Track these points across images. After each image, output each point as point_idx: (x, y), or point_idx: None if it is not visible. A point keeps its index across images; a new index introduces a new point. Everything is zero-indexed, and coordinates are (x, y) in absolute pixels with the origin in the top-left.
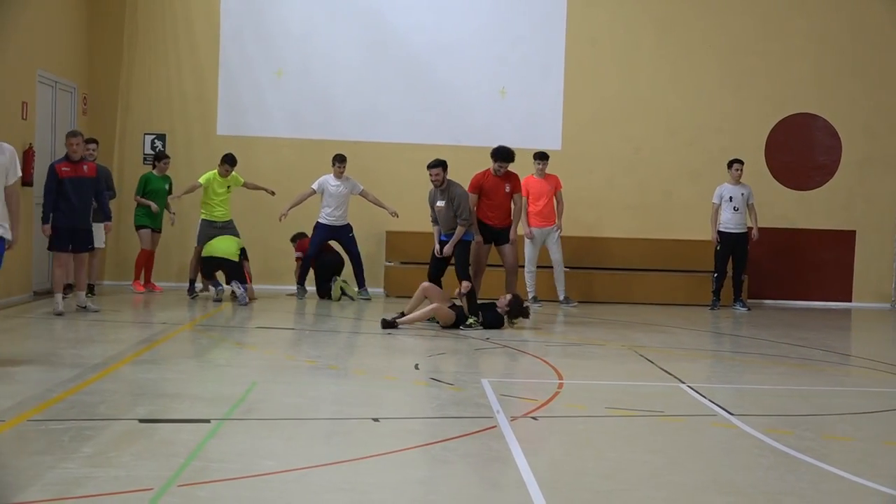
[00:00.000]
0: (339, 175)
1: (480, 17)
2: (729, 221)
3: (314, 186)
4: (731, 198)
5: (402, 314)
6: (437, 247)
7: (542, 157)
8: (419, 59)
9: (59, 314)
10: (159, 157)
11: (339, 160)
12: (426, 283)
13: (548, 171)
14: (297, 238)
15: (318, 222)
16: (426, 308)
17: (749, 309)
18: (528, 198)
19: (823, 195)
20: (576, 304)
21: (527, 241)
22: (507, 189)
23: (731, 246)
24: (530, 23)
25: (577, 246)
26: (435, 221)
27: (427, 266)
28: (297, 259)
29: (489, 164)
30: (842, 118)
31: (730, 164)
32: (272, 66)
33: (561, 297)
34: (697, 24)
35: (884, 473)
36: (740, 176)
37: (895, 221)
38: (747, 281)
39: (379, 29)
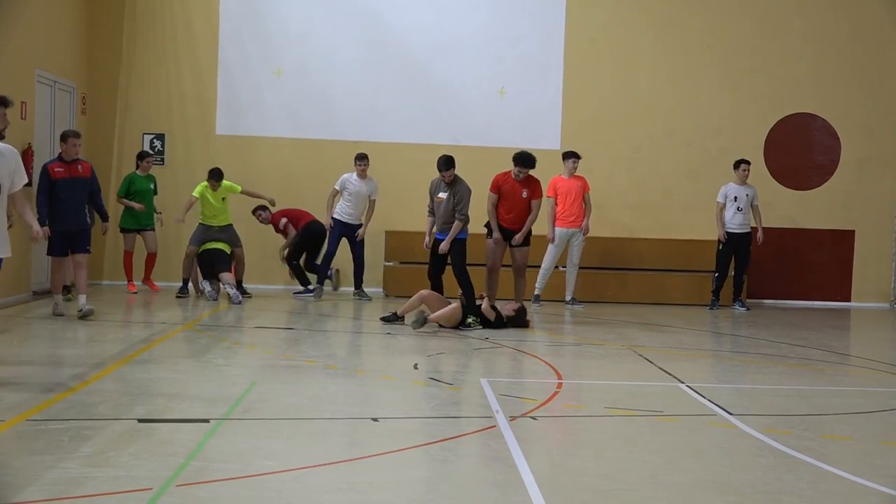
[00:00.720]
0: (362, 174)
1: (479, 16)
2: (732, 221)
3: (336, 186)
4: (735, 198)
5: (395, 314)
6: (427, 239)
7: (574, 156)
8: (418, 58)
9: (60, 315)
10: (142, 156)
11: (360, 158)
12: (424, 292)
13: (554, 170)
14: (260, 210)
15: (333, 218)
16: (449, 308)
17: (748, 309)
18: (555, 198)
19: (823, 195)
20: (582, 306)
21: (550, 242)
22: (525, 194)
23: (734, 246)
24: (529, 22)
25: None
26: (431, 213)
27: (426, 265)
28: (284, 227)
29: (488, 163)
30: (841, 118)
31: (737, 165)
32: (271, 65)
33: (568, 298)
34: (696, 23)
35: (883, 473)
36: (747, 176)
37: (894, 221)
38: (746, 281)
39: (378, 28)
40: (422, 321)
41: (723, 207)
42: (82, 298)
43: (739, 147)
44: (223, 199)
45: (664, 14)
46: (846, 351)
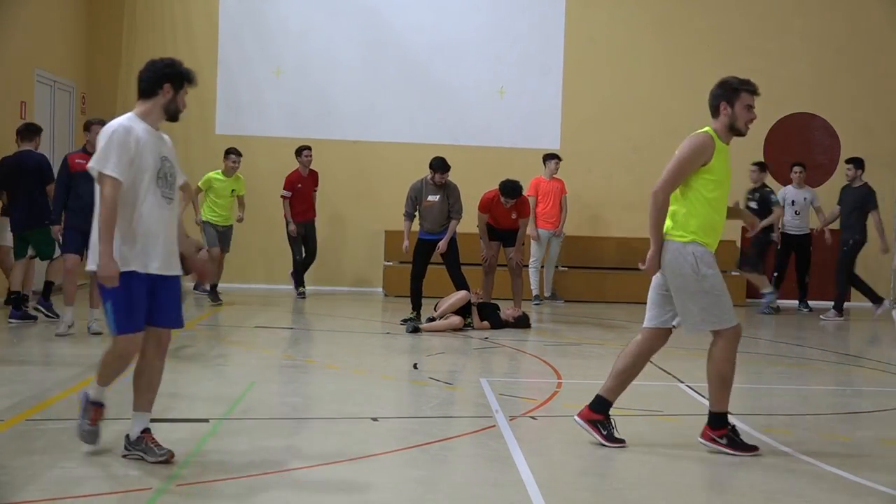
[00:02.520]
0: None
1: (479, 16)
2: (790, 224)
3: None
4: (792, 201)
5: (429, 317)
6: (406, 243)
7: (555, 157)
8: (418, 58)
9: (64, 335)
10: None
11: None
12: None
13: (547, 171)
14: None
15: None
16: (447, 320)
17: (811, 310)
18: (536, 198)
19: (822, 194)
20: (562, 301)
21: (532, 241)
22: (514, 216)
23: (793, 248)
24: (529, 22)
25: (575, 245)
26: (408, 216)
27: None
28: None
29: (488, 163)
30: (840, 117)
31: (790, 168)
32: (271, 65)
33: (547, 294)
34: (696, 23)
35: (883, 473)
36: (800, 179)
37: (893, 220)
38: (808, 282)
39: (378, 28)
40: (413, 328)
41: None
42: (94, 313)
43: (739, 147)
44: (232, 191)
45: (664, 14)
46: (845, 350)
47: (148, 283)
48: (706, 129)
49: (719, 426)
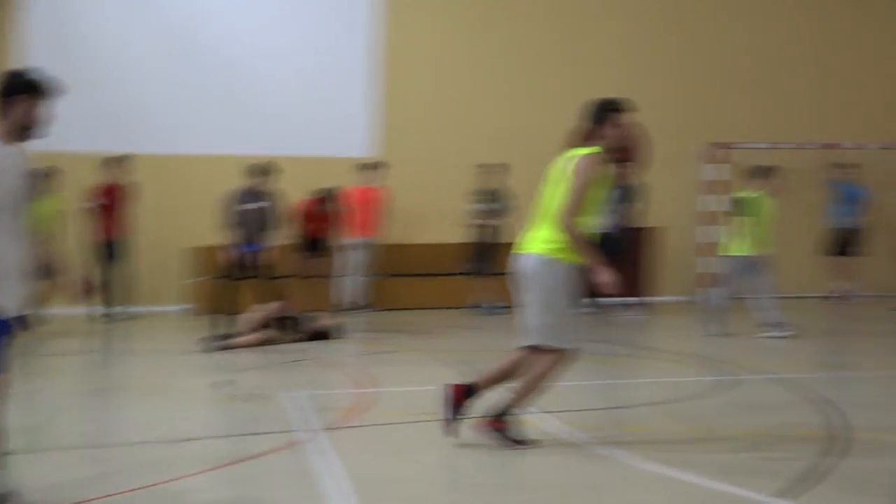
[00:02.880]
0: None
1: (293, 23)
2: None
3: None
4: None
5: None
6: (233, 253)
7: (370, 166)
8: (230, 67)
9: None
10: None
11: None
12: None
13: (363, 179)
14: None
15: None
16: (257, 335)
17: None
18: (351, 206)
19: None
20: (375, 310)
21: (346, 250)
22: (326, 225)
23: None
24: (342, 29)
25: (388, 253)
26: (227, 226)
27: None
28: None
29: (300, 173)
30: (643, 118)
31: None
32: (73, 76)
33: (360, 302)
34: (512, 28)
35: (686, 462)
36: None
37: (695, 217)
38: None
39: (188, 37)
40: (220, 345)
41: None
42: None
43: (551, 152)
44: (41, 215)
45: (476, 22)
46: (646, 344)
47: (7, 326)
48: (595, 148)
49: (502, 420)
